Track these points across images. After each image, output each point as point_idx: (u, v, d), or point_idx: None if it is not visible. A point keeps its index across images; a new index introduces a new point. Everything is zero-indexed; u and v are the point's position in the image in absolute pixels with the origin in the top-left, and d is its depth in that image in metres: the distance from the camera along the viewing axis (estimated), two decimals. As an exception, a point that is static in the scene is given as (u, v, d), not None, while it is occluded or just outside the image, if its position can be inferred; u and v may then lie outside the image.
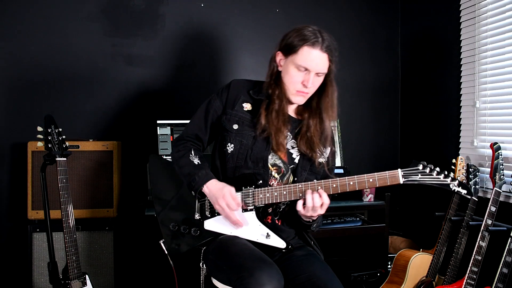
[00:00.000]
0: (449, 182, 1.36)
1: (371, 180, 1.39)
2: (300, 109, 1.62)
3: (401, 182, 1.37)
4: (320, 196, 1.41)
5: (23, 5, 2.45)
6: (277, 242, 1.47)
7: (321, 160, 1.59)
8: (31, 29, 2.46)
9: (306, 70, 1.47)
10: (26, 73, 2.47)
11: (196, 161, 1.55)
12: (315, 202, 1.41)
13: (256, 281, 1.24)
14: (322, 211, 1.43)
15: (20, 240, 2.43)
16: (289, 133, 1.58)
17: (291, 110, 1.61)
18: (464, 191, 1.36)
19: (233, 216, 1.46)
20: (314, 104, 1.57)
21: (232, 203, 1.44)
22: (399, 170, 1.38)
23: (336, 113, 1.58)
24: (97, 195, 2.29)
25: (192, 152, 1.57)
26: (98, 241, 2.27)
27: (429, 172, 1.36)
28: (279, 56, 1.54)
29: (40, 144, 2.02)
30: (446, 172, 1.37)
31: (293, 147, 1.59)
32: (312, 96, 1.56)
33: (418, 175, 1.37)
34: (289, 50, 1.49)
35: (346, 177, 1.41)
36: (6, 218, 2.46)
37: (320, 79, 1.52)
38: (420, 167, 1.37)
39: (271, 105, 1.52)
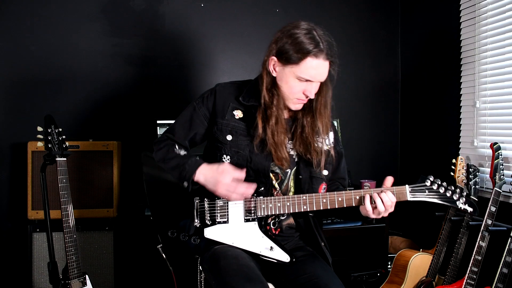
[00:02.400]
0: (455, 199, 1.34)
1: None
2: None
3: (408, 199, 1.34)
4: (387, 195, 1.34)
5: (23, 5, 2.45)
6: (281, 255, 1.44)
7: (325, 148, 1.53)
8: (31, 29, 2.46)
9: (307, 81, 1.41)
10: (26, 73, 2.47)
11: (182, 152, 1.50)
12: (385, 203, 1.33)
13: None
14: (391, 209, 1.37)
15: (20, 240, 2.42)
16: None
17: (285, 112, 1.54)
18: (470, 209, 1.35)
19: (241, 188, 1.38)
20: (308, 103, 1.50)
21: (236, 174, 1.38)
22: (407, 186, 1.34)
23: (331, 112, 1.53)
24: (97, 195, 2.29)
25: (176, 146, 1.52)
26: (98, 241, 2.27)
27: (436, 188, 1.34)
28: (273, 62, 1.44)
29: (40, 144, 2.02)
30: (453, 188, 1.34)
31: (291, 149, 1.54)
32: None
33: (425, 192, 1.34)
34: (288, 59, 1.40)
35: (352, 191, 1.37)
36: (6, 218, 2.46)
37: (318, 84, 1.47)
38: (428, 183, 1.34)
39: (268, 114, 1.45)
